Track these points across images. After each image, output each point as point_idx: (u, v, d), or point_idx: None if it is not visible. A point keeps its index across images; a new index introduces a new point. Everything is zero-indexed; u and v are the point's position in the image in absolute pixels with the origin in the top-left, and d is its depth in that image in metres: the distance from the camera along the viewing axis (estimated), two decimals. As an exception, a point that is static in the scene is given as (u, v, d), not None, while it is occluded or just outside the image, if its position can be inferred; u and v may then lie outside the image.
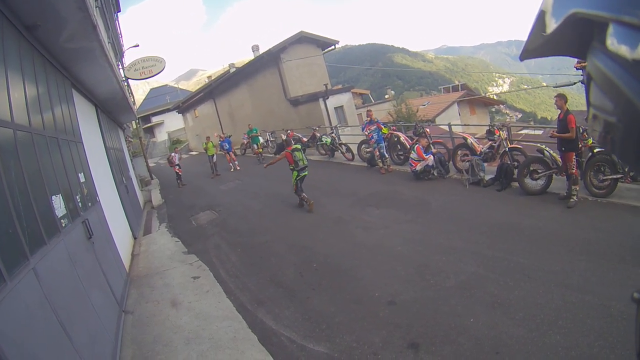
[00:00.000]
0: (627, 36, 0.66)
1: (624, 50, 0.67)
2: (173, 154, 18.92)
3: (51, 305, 3.57)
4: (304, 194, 10.66)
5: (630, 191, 7.64)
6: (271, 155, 21.50)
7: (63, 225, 4.69)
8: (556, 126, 8.00)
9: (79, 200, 5.82)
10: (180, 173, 18.47)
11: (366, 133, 13.45)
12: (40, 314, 3.38)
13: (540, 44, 1.04)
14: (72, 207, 5.30)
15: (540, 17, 0.98)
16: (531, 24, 1.06)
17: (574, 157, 7.74)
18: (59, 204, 4.73)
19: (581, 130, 7.96)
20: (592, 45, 0.81)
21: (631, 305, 3.15)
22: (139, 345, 5.43)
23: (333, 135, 17.25)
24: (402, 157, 13.47)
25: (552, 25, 0.90)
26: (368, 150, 14.32)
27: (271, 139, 22.78)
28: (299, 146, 10.92)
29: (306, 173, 10.72)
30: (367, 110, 14.26)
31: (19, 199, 3.52)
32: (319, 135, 17.99)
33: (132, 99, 20.09)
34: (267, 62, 24.28)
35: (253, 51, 28.16)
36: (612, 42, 0.71)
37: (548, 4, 0.93)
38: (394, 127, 15.06)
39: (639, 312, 0.88)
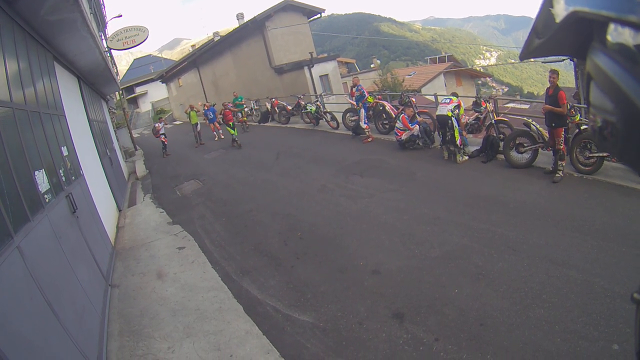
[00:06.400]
0: (628, 35, 0.64)
1: (624, 49, 0.66)
2: (158, 124, 18.71)
3: (37, 283, 3.53)
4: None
5: (616, 170, 7.67)
6: (255, 123, 21.30)
7: (47, 200, 4.62)
8: (543, 101, 7.97)
9: (62, 174, 5.72)
10: (166, 142, 18.23)
11: (352, 102, 13.37)
12: (25, 293, 3.33)
13: (540, 44, 1.03)
14: (55, 182, 5.22)
15: (542, 16, 0.96)
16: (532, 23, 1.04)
17: (563, 133, 7.73)
18: (42, 179, 4.64)
19: (569, 107, 7.93)
20: (592, 45, 0.80)
21: (616, 283, 3.18)
22: (126, 319, 5.43)
23: (318, 103, 17.06)
24: (387, 126, 13.40)
25: (555, 23, 0.89)
26: (353, 118, 14.24)
27: (255, 108, 22.49)
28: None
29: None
30: (353, 78, 14.12)
31: (1, 175, 3.44)
32: (303, 103, 17.80)
33: (115, 70, 19.68)
34: (252, 30, 23.85)
35: (238, 19, 27.59)
36: (613, 42, 0.70)
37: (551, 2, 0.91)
38: (380, 96, 14.92)
39: (638, 312, 0.85)
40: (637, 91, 0.62)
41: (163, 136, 18.21)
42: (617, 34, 0.68)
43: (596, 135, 0.81)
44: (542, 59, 14.72)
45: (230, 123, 16.46)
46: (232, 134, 16.27)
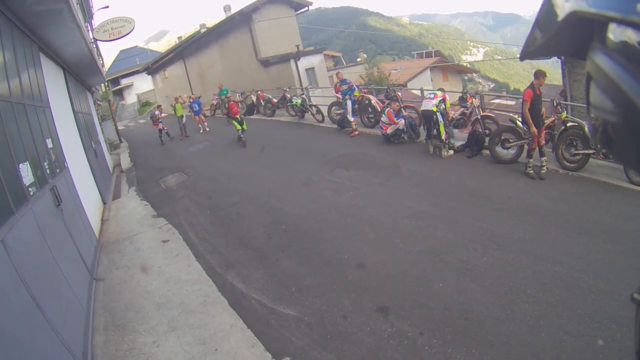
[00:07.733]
0: (628, 35, 0.64)
1: (624, 49, 0.66)
2: (157, 112, 18.62)
3: (21, 277, 3.49)
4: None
5: (601, 167, 7.79)
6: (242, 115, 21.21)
7: (31, 193, 4.56)
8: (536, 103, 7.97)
9: (46, 167, 5.65)
10: (165, 129, 18.25)
11: (338, 96, 13.32)
12: (10, 287, 3.30)
13: (541, 43, 1.01)
14: (39, 175, 5.15)
15: (544, 12, 0.95)
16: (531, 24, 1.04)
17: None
18: (26, 172, 4.58)
19: (555, 104, 8.00)
20: (592, 45, 0.79)
21: (600, 279, 3.21)
22: (111, 313, 5.39)
23: (304, 96, 17.01)
24: (372, 120, 13.43)
25: (557, 21, 0.87)
26: (338, 112, 14.22)
27: (241, 100, 22.37)
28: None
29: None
30: (337, 73, 14.11)
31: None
32: (289, 96, 17.73)
33: (101, 61, 19.36)
34: (239, 22, 23.74)
35: (225, 11, 27.47)
36: (613, 42, 0.69)
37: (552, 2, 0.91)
38: (365, 90, 14.92)
39: (638, 312, 0.85)
40: (637, 91, 0.62)
41: (161, 124, 18.15)
42: (617, 34, 0.67)
43: (596, 135, 0.80)
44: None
45: (238, 117, 14.39)
46: (239, 130, 14.27)
